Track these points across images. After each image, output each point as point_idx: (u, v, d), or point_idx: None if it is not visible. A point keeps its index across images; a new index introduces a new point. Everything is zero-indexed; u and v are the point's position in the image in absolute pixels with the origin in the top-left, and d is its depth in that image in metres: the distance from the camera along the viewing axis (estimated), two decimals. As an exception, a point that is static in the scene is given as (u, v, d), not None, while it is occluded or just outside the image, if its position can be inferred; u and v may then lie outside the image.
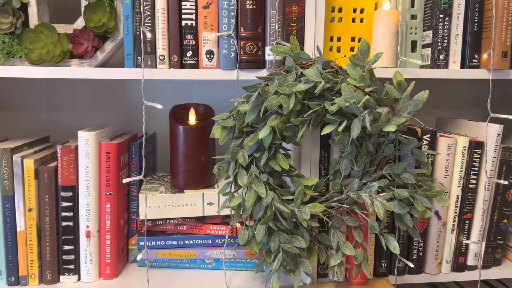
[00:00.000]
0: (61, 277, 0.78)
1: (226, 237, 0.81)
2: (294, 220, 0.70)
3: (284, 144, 0.77)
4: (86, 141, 0.75)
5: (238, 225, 0.81)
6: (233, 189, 0.71)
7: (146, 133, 0.98)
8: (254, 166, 0.68)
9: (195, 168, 0.82)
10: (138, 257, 0.74)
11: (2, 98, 0.97)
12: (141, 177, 0.68)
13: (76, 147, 0.75)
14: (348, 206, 0.70)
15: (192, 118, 0.85)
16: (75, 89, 0.98)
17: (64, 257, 0.78)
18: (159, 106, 0.65)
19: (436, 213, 0.79)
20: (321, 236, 0.73)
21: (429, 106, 1.08)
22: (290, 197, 0.70)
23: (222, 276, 0.81)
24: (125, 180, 0.71)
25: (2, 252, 0.76)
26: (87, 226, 0.77)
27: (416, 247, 0.81)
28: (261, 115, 0.65)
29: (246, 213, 0.70)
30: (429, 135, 0.77)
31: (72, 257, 0.78)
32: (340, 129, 0.65)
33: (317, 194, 0.72)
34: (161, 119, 1.00)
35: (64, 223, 0.77)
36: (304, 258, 0.70)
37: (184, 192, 0.80)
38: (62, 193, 0.76)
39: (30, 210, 0.75)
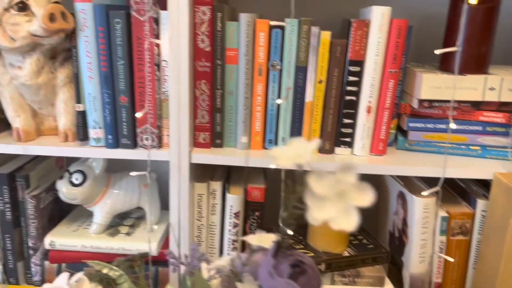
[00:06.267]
0: (336, 148, 0.84)
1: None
2: None
3: None
4: (382, 15, 0.75)
5: (520, 112, 0.79)
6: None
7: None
8: None
9: (475, 51, 0.80)
10: (410, 136, 0.75)
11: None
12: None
13: (369, 21, 0.76)
14: None
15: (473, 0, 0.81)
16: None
17: (342, 129, 0.82)
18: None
19: None
20: None
21: None
22: None
23: (489, 164, 0.80)
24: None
25: (288, 120, 0.82)
26: (369, 102, 0.80)
27: None
28: None
29: None
30: None
31: (350, 130, 0.82)
32: None
33: None
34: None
35: (347, 97, 0.80)
36: None
37: (465, 75, 0.79)
38: (350, 68, 0.79)
39: (320, 82, 0.79)
